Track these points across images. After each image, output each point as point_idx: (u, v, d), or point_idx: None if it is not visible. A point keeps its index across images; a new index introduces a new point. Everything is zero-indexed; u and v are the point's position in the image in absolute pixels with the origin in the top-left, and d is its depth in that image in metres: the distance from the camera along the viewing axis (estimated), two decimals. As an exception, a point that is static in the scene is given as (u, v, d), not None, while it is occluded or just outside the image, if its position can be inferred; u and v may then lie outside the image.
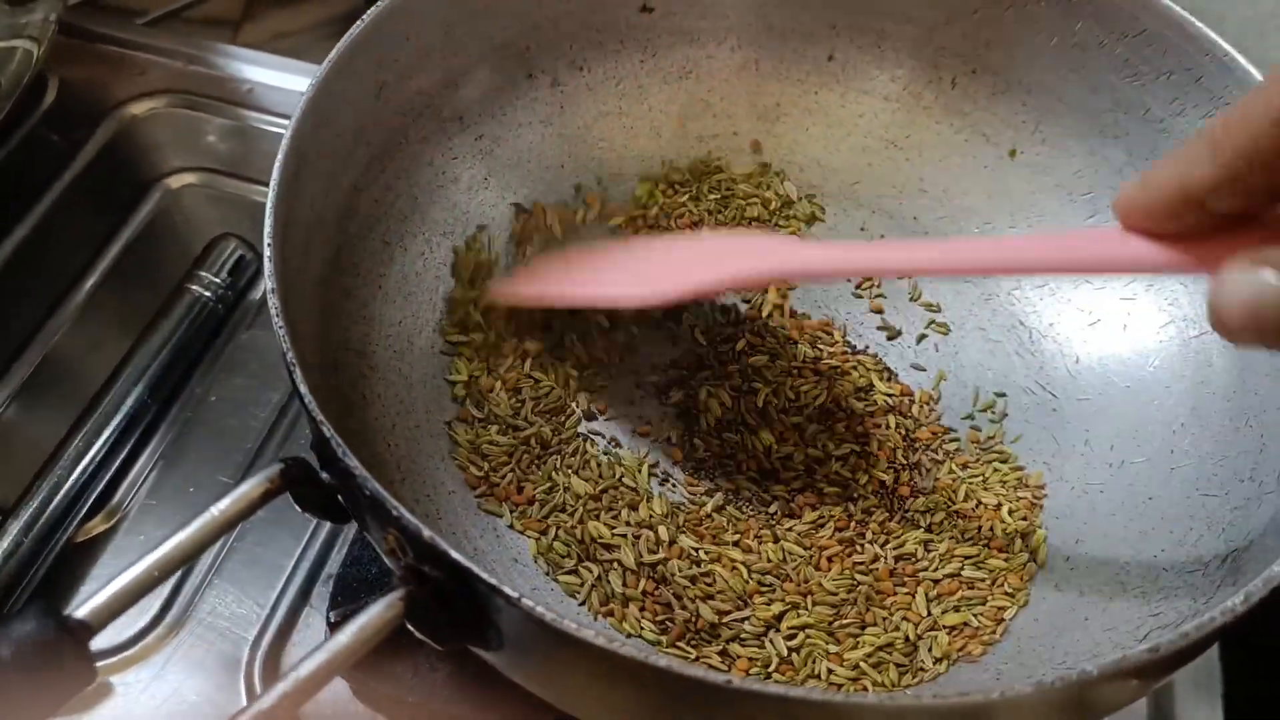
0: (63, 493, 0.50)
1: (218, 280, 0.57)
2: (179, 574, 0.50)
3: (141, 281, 0.60)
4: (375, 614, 0.32)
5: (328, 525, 0.52)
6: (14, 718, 0.29)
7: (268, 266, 0.38)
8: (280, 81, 0.69)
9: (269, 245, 0.38)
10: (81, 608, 0.32)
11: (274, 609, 0.49)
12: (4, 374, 0.56)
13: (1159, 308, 0.52)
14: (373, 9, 0.46)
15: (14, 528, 0.48)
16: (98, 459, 0.51)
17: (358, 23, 0.46)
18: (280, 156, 0.41)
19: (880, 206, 0.58)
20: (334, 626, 0.45)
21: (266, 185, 0.64)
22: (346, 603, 0.47)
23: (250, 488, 0.35)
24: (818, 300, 0.56)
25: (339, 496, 0.36)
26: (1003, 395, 0.53)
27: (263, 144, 0.67)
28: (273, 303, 0.37)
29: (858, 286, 0.56)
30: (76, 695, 0.31)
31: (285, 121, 0.67)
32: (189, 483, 0.53)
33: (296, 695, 0.30)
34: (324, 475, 0.36)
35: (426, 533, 0.32)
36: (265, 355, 0.58)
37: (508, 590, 0.31)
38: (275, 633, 0.49)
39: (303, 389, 0.35)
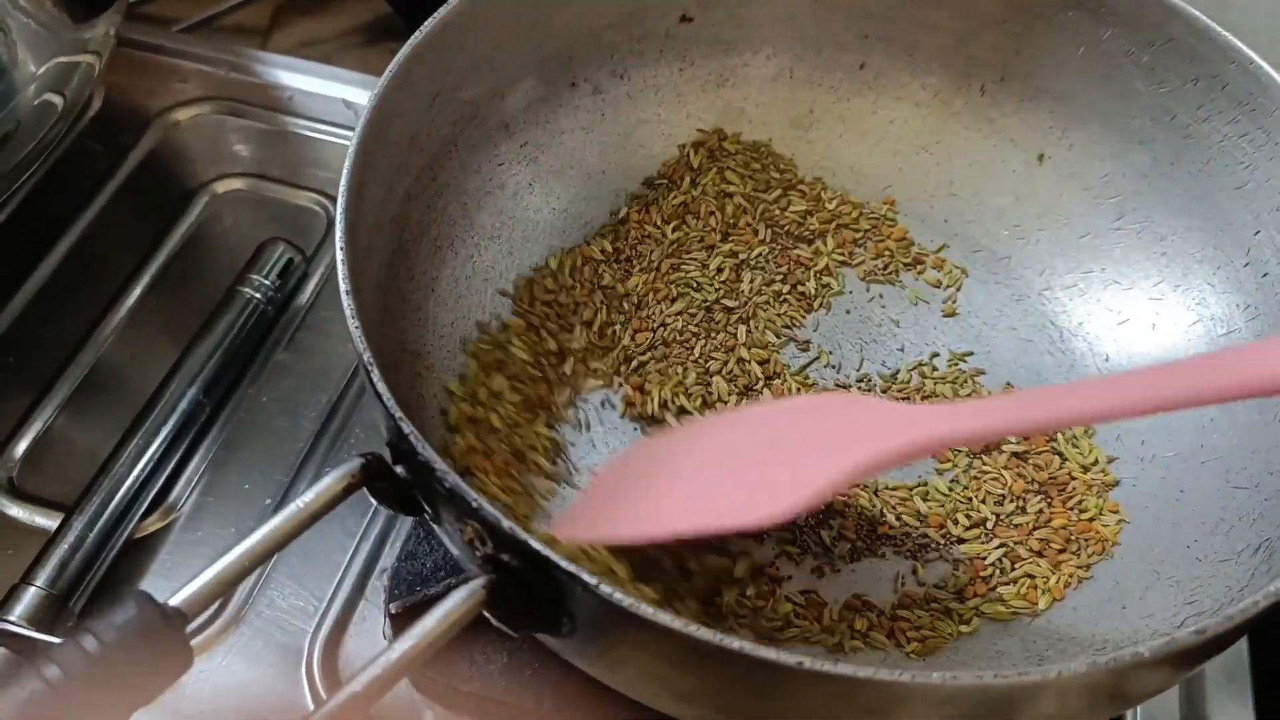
0: (123, 490, 0.51)
1: (267, 283, 0.58)
2: (238, 569, 0.51)
3: (191, 285, 0.62)
4: (459, 600, 0.33)
5: (380, 522, 0.53)
6: (119, 701, 0.31)
7: (341, 270, 0.39)
8: (319, 89, 0.71)
9: (341, 251, 0.40)
10: (176, 596, 0.33)
11: (331, 602, 0.51)
12: (59, 376, 0.58)
13: (1187, 307, 0.53)
14: (428, 22, 0.48)
15: (78, 524, 0.49)
16: (155, 457, 0.52)
17: (415, 35, 0.47)
18: (347, 167, 0.43)
19: (913, 210, 0.60)
20: (394, 618, 0.46)
21: (310, 190, 0.66)
22: (404, 595, 0.48)
23: (333, 481, 0.36)
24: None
25: (412, 490, 0.38)
26: None
27: (304, 150, 0.68)
28: (348, 305, 0.39)
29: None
30: (176, 679, 0.32)
31: (325, 127, 0.69)
32: (243, 480, 0.55)
33: (389, 676, 0.31)
34: (398, 470, 0.38)
35: (506, 523, 0.34)
36: (314, 357, 0.59)
37: (586, 577, 0.33)
38: (333, 625, 0.50)
39: (381, 388, 0.36)
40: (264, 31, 0.86)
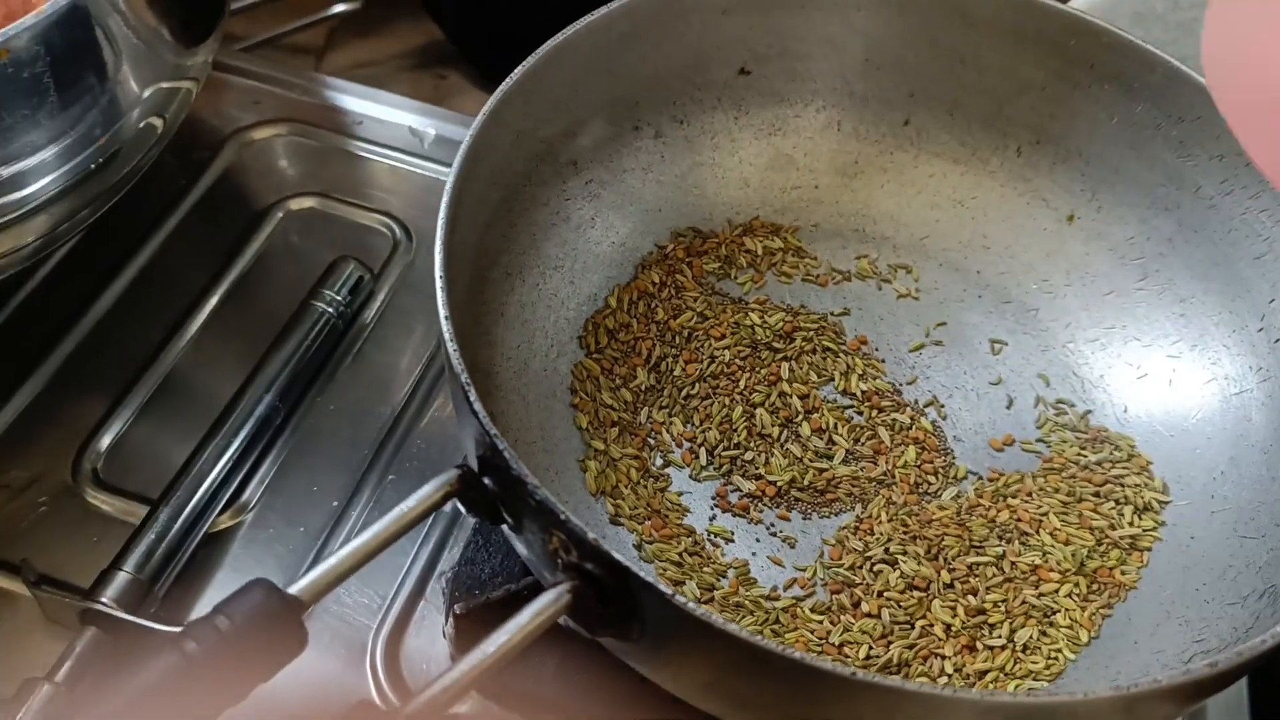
0: (205, 485, 0.54)
1: (339, 299, 0.62)
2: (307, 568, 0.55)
3: (261, 298, 0.65)
4: (547, 602, 0.37)
5: (439, 529, 0.57)
6: (243, 677, 0.34)
7: (441, 297, 0.43)
8: (387, 115, 0.75)
9: (440, 279, 0.44)
10: (295, 585, 0.37)
11: (393, 601, 0.54)
12: (139, 378, 0.61)
13: (1203, 366, 0.57)
14: (520, 67, 0.52)
15: (164, 515, 0.52)
16: (234, 457, 0.56)
17: (508, 79, 0.51)
18: (446, 199, 0.46)
19: (947, 260, 0.64)
20: (459, 618, 0.49)
21: (377, 211, 0.70)
22: (464, 597, 0.52)
23: (434, 488, 0.40)
24: (888, 342, 0.61)
25: (497, 500, 0.41)
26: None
27: (372, 173, 0.72)
28: (446, 329, 0.42)
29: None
30: (293, 659, 0.36)
31: (392, 153, 0.73)
32: (312, 483, 0.58)
33: (489, 665, 0.35)
34: (486, 481, 0.41)
35: (591, 536, 0.37)
36: (377, 372, 0.63)
37: (663, 587, 0.36)
38: (395, 622, 0.53)
39: (477, 407, 0.40)
40: (319, 52, 0.90)
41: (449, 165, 0.71)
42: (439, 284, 0.44)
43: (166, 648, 0.33)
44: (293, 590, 0.36)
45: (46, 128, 0.50)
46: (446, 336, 0.42)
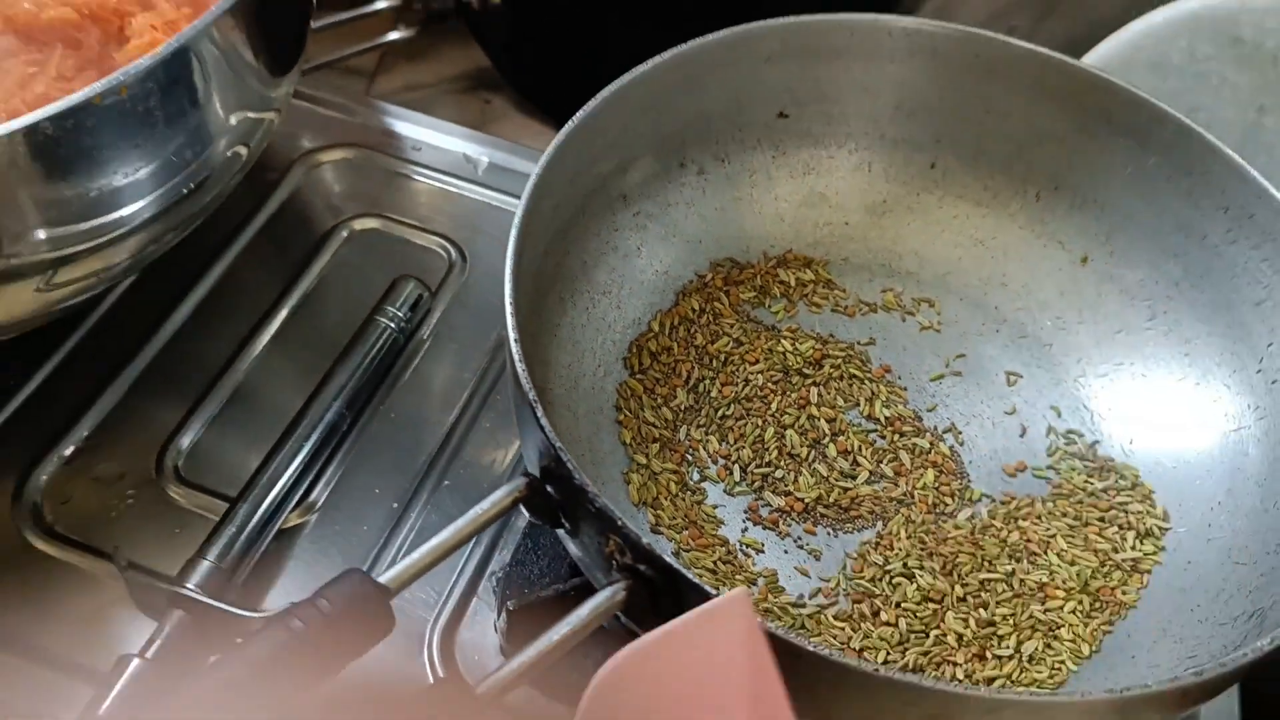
0: (280, 484, 0.59)
1: (400, 315, 0.67)
2: (370, 562, 0.60)
3: (325, 313, 0.70)
4: (605, 597, 0.41)
5: (491, 533, 0.61)
6: (340, 653, 0.39)
7: (510, 321, 0.48)
8: (444, 143, 0.80)
9: (510, 305, 0.48)
10: (384, 575, 0.41)
11: (448, 597, 0.59)
12: (214, 386, 0.65)
13: (1204, 403, 0.61)
14: (581, 111, 0.56)
15: (243, 510, 0.57)
16: (306, 459, 0.60)
17: (570, 121, 0.56)
18: (514, 233, 0.51)
19: (967, 295, 0.68)
20: (512, 614, 0.54)
21: (434, 233, 0.75)
22: (516, 595, 0.56)
23: (505, 493, 0.44)
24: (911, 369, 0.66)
25: (557, 506, 0.46)
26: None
27: (430, 196, 0.77)
28: (516, 352, 0.47)
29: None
30: (382, 640, 0.40)
31: (448, 178, 0.78)
32: (373, 485, 0.63)
33: (552, 652, 0.39)
34: (548, 489, 0.46)
35: (645, 540, 0.42)
36: (433, 384, 0.68)
37: (708, 588, 0.41)
38: (449, 617, 0.58)
39: (544, 423, 0.45)
40: (370, 74, 0.95)
41: (501, 191, 0.77)
42: (509, 310, 0.48)
43: (275, 624, 0.38)
44: (382, 579, 0.41)
45: (150, 156, 0.54)
46: (516, 358, 0.47)
